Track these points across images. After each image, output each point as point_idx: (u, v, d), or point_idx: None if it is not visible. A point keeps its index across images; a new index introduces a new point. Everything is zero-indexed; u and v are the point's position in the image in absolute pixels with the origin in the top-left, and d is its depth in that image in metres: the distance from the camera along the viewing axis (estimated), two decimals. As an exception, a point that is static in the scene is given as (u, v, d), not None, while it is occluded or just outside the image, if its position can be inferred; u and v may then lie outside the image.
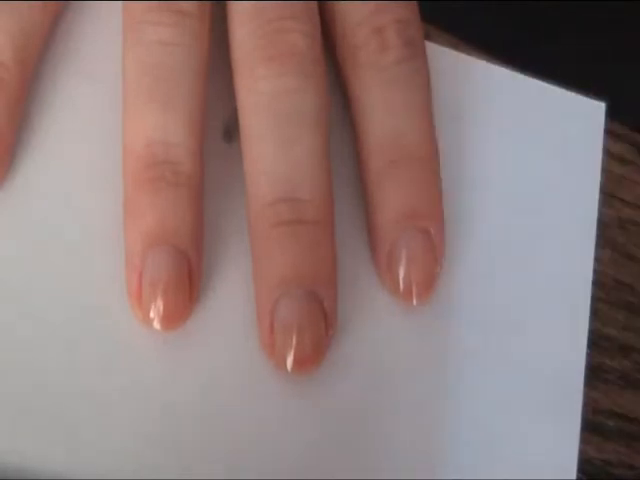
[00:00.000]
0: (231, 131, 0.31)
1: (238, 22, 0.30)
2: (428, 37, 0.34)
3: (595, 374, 0.38)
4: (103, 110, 0.30)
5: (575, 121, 0.35)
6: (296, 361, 0.28)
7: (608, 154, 0.40)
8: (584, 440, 0.31)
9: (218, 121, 0.31)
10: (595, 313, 0.34)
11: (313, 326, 0.28)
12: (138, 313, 0.28)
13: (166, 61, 0.29)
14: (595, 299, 0.33)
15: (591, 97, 0.35)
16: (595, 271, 0.33)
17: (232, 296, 0.29)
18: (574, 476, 0.30)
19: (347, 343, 0.30)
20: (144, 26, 0.29)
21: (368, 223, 0.31)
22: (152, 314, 0.28)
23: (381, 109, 0.31)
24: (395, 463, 0.29)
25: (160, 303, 0.28)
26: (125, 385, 0.28)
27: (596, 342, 0.39)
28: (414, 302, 0.30)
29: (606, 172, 0.35)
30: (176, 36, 0.29)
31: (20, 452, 0.27)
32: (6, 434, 0.27)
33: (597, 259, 0.33)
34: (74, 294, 0.29)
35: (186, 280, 0.28)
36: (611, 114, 0.35)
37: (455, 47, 0.35)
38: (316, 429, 0.29)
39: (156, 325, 0.28)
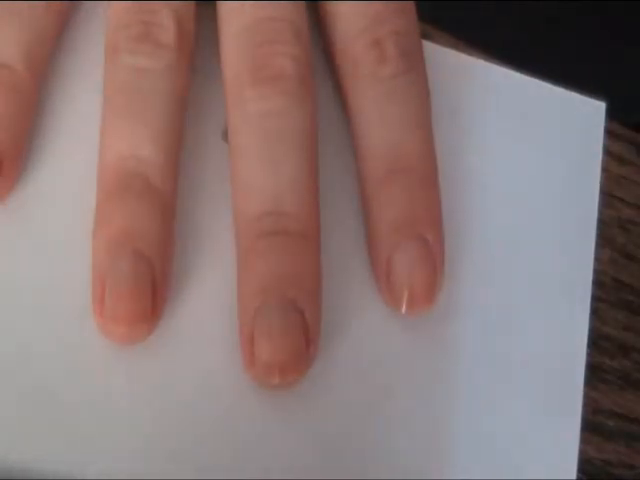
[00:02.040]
0: None
1: (228, 42, 0.31)
2: (428, 37, 0.34)
3: (595, 374, 0.38)
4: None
5: (575, 121, 0.35)
6: (275, 371, 0.28)
7: (607, 154, 0.40)
8: (584, 440, 0.31)
9: (218, 121, 0.31)
10: (595, 313, 0.34)
11: (292, 336, 0.28)
12: (100, 320, 0.28)
13: (140, 83, 0.30)
14: (595, 299, 0.33)
15: (591, 97, 0.35)
16: (595, 271, 0.33)
17: (218, 303, 0.29)
18: (574, 476, 0.30)
19: (341, 352, 0.30)
20: (122, 53, 0.30)
21: (366, 233, 0.31)
22: (113, 321, 0.28)
23: (378, 122, 0.31)
24: (393, 463, 0.29)
25: (121, 308, 0.28)
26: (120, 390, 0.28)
27: (596, 342, 0.39)
28: (414, 312, 0.30)
29: (605, 172, 0.35)
30: (151, 64, 0.30)
31: (21, 453, 0.27)
32: (7, 437, 0.27)
33: (597, 259, 0.33)
34: (72, 297, 0.29)
35: (148, 287, 0.28)
36: (611, 114, 0.35)
37: (455, 47, 0.35)
38: (307, 444, 0.29)
39: (118, 332, 0.28)
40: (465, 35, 0.41)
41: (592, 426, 0.37)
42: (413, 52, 0.32)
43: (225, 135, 0.31)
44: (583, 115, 0.35)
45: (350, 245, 0.31)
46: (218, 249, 0.30)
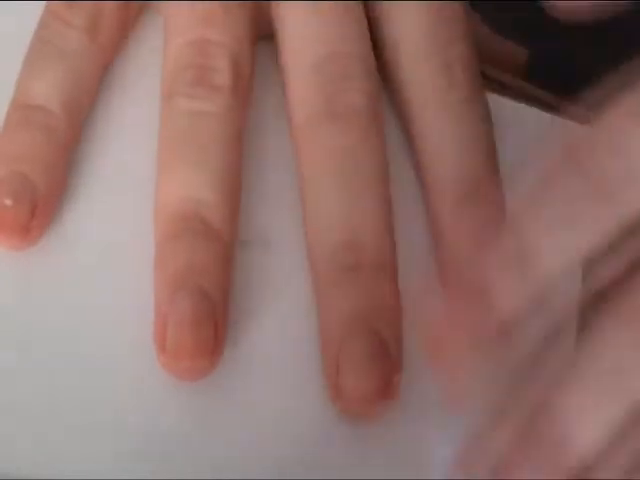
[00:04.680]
0: None
1: (296, 80, 0.31)
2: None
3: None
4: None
5: None
6: (361, 403, 0.28)
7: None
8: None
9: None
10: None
11: (377, 367, 0.28)
12: (162, 358, 0.28)
13: (198, 128, 0.30)
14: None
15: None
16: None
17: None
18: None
19: None
20: (178, 97, 0.30)
21: None
22: (176, 356, 0.28)
23: (448, 146, 0.31)
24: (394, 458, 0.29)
25: (183, 343, 0.28)
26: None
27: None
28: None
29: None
30: (207, 108, 0.30)
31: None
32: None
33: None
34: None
35: (211, 321, 0.28)
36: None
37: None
38: None
39: (181, 367, 0.28)
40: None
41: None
42: (479, 77, 0.32)
43: None
44: None
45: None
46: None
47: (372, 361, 0.28)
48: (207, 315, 0.28)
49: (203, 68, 0.30)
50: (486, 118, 0.32)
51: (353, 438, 0.29)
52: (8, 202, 0.29)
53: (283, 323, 0.30)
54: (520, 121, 0.34)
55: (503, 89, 0.36)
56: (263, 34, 0.32)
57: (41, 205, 0.29)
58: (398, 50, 0.32)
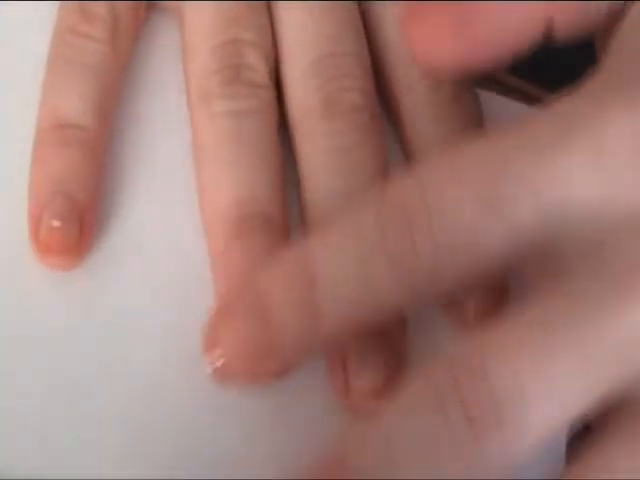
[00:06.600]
0: None
1: (295, 80, 0.31)
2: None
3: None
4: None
5: None
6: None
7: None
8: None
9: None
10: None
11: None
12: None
13: (243, 128, 0.30)
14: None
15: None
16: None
17: None
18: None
19: None
20: (215, 99, 0.30)
21: None
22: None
23: (435, 147, 0.31)
24: None
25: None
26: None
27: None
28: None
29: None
30: (250, 106, 0.30)
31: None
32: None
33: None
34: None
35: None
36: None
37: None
38: None
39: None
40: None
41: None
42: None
43: None
44: None
45: None
46: None
47: None
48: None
49: (239, 67, 0.31)
50: (475, 116, 0.32)
51: None
52: (56, 223, 0.29)
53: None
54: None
55: (503, 89, 0.36)
56: None
57: (86, 221, 0.30)
58: (387, 51, 0.32)
